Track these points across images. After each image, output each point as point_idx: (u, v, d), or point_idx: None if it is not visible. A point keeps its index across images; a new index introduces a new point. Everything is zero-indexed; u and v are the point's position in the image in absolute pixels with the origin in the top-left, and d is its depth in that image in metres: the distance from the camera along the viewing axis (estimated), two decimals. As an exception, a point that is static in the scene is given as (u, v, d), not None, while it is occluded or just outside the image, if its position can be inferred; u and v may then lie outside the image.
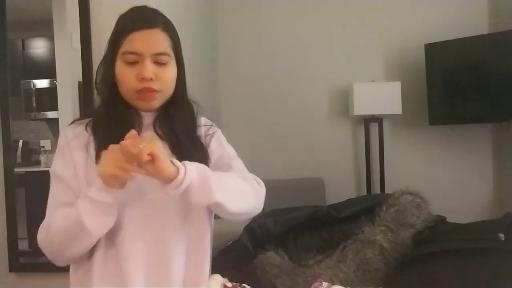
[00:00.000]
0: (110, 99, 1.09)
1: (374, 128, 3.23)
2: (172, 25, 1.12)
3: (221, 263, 1.23)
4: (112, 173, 0.92)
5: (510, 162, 3.05)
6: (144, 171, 0.93)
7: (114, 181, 0.93)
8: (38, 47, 2.26)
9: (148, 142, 0.92)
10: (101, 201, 0.96)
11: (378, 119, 3.16)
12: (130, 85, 1.05)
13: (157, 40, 1.06)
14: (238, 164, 1.15)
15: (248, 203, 1.10)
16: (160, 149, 0.93)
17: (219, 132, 1.20)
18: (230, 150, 1.19)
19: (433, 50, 3.07)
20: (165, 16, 1.12)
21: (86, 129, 1.10)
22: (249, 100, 3.44)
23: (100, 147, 1.02)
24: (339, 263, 1.37)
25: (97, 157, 1.02)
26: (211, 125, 1.20)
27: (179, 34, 1.15)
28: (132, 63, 1.04)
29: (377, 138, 3.18)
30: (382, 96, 3.04)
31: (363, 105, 3.05)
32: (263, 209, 1.16)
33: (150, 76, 1.03)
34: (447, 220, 1.59)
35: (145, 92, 1.05)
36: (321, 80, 3.39)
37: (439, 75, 3.12)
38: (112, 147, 0.94)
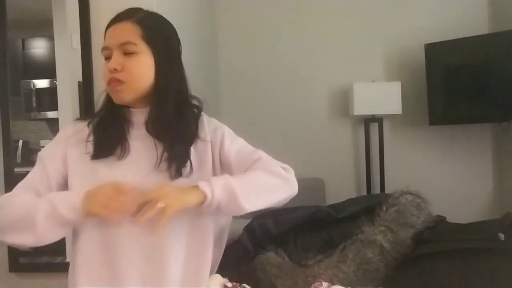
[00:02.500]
0: (106, 97, 1.13)
1: (374, 128, 3.23)
2: (153, 19, 1.11)
3: (221, 263, 1.22)
4: (98, 212, 0.96)
5: (510, 162, 3.05)
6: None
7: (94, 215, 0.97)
8: (38, 47, 2.26)
9: (161, 199, 0.93)
10: (64, 216, 0.96)
11: (378, 119, 3.16)
12: (104, 79, 1.08)
13: (123, 31, 1.06)
14: (262, 154, 1.16)
15: (279, 195, 1.11)
16: (168, 197, 0.95)
17: (227, 129, 1.20)
18: (246, 144, 1.20)
19: (433, 50, 3.07)
20: (147, 12, 1.12)
21: (88, 126, 1.12)
22: (249, 100, 3.43)
23: (97, 145, 1.07)
24: (339, 263, 1.37)
25: (94, 155, 1.08)
26: (217, 125, 1.20)
27: (179, 34, 1.15)
28: (107, 58, 1.07)
29: (377, 138, 3.18)
30: (382, 96, 3.04)
31: (363, 105, 3.05)
32: (263, 209, 1.16)
33: (114, 67, 1.04)
34: (447, 220, 1.59)
35: (112, 83, 1.06)
36: (321, 80, 3.39)
37: (439, 75, 3.11)
38: (108, 186, 0.97)
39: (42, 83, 2.19)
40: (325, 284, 1.27)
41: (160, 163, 1.06)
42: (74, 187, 1.07)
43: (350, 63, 3.35)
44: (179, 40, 1.17)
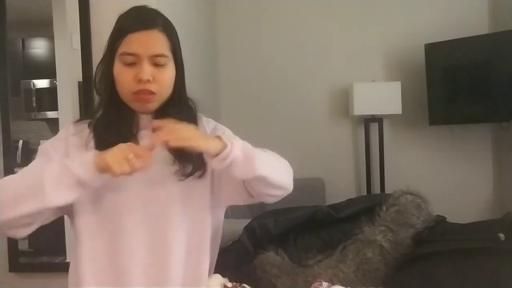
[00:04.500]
0: (109, 99, 1.09)
1: (374, 128, 3.23)
2: (172, 26, 1.10)
3: (221, 263, 1.22)
4: (112, 166, 0.92)
5: (510, 162, 3.05)
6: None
7: (107, 169, 0.93)
8: (38, 47, 2.26)
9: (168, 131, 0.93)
10: (74, 173, 0.92)
11: (378, 119, 3.16)
12: (127, 87, 1.04)
13: (155, 41, 1.04)
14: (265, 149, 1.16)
15: (286, 178, 1.12)
16: (191, 131, 0.95)
17: (227, 130, 1.20)
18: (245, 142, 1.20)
19: (433, 50, 3.07)
20: (164, 17, 1.10)
21: (88, 127, 1.10)
22: (249, 100, 3.44)
23: (100, 147, 1.02)
24: (339, 263, 1.37)
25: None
26: (216, 125, 1.20)
27: (179, 34, 1.15)
28: (130, 65, 1.03)
29: (377, 138, 3.18)
30: (382, 96, 3.04)
31: (363, 105, 3.05)
32: (264, 209, 1.16)
33: (147, 78, 1.02)
34: (447, 220, 1.59)
35: (142, 94, 1.04)
36: (321, 80, 3.39)
37: (439, 75, 3.12)
38: (125, 144, 0.95)
39: (42, 83, 2.19)
40: (325, 284, 1.27)
41: (173, 161, 1.06)
42: None
43: (350, 63, 3.35)
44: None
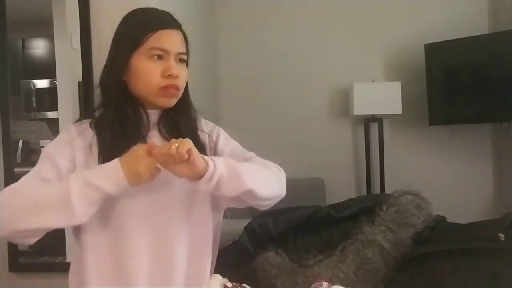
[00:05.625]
0: (118, 97, 1.08)
1: (374, 128, 3.23)
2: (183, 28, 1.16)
3: (221, 263, 1.22)
4: (145, 174, 0.94)
5: (510, 162, 3.05)
6: (177, 170, 0.94)
7: (140, 179, 0.94)
8: (38, 47, 2.26)
9: (180, 142, 0.92)
10: (109, 194, 0.93)
11: (378, 119, 3.16)
12: (154, 81, 1.06)
13: (181, 40, 1.11)
14: (254, 154, 1.17)
15: (274, 188, 1.11)
16: (193, 145, 0.94)
17: (222, 131, 1.22)
18: (239, 145, 1.22)
19: (433, 50, 3.07)
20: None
21: (90, 127, 1.09)
22: (249, 100, 3.44)
23: (105, 147, 1.03)
24: (339, 263, 1.37)
25: (100, 157, 1.03)
26: (214, 126, 1.23)
27: None
28: (158, 60, 1.06)
29: (377, 138, 3.18)
30: (382, 96, 3.04)
31: (363, 105, 3.05)
32: (260, 210, 1.16)
33: (177, 74, 1.07)
34: (447, 220, 1.59)
35: (170, 89, 1.07)
36: (321, 80, 3.39)
37: (439, 75, 3.12)
38: (141, 148, 0.95)
39: (42, 83, 2.19)
40: (325, 284, 1.27)
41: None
42: None
43: (350, 63, 3.35)
44: None
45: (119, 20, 1.12)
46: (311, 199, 2.90)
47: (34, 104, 2.16)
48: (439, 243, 1.41)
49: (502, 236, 1.29)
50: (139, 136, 1.08)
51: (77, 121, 1.14)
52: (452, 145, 3.25)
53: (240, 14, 3.47)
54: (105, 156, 1.02)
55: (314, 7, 3.40)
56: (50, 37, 1.96)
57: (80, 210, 0.91)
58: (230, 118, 3.36)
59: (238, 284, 1.19)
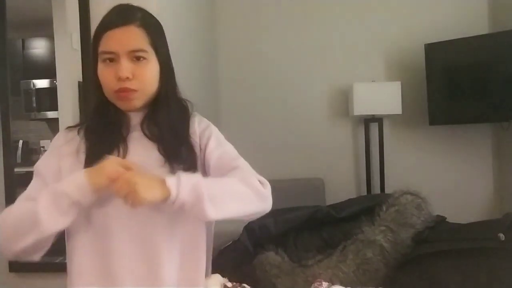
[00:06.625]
0: (98, 101, 1.08)
1: (374, 128, 3.23)
2: (153, 21, 1.09)
3: (221, 263, 1.22)
4: (105, 183, 0.94)
5: (510, 162, 3.05)
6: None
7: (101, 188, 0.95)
8: (38, 47, 2.26)
9: (125, 184, 0.91)
10: (71, 197, 0.94)
11: (378, 119, 3.16)
12: (109, 86, 1.04)
13: (131, 37, 1.03)
14: (241, 163, 1.10)
15: (249, 208, 1.04)
16: (138, 182, 0.91)
17: (216, 131, 1.15)
18: (230, 149, 1.14)
19: (433, 50, 3.07)
20: (145, 12, 1.09)
21: (78, 134, 1.09)
22: (249, 100, 3.43)
23: (89, 152, 1.04)
24: (339, 263, 1.37)
25: (87, 161, 1.03)
26: (208, 126, 1.15)
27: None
28: (110, 63, 1.03)
29: (377, 138, 3.17)
30: (382, 96, 3.04)
31: (363, 105, 3.05)
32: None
33: (126, 75, 1.01)
34: (447, 220, 1.59)
35: (122, 92, 1.03)
36: (321, 80, 3.39)
37: (439, 75, 3.11)
38: (109, 164, 0.95)
39: (42, 83, 2.19)
40: (325, 284, 1.27)
41: (164, 162, 1.04)
42: None
43: (350, 63, 3.35)
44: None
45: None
46: (311, 199, 2.90)
47: (34, 104, 2.16)
48: (439, 243, 1.42)
49: (502, 236, 1.29)
50: (119, 138, 1.07)
51: (68, 127, 1.14)
52: (452, 145, 3.25)
53: (240, 14, 3.47)
54: (89, 162, 1.02)
55: (314, 7, 3.39)
56: (50, 37, 1.96)
57: (48, 220, 0.93)
58: (230, 118, 3.36)
59: (238, 284, 1.19)
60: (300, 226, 1.55)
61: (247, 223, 1.56)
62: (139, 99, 1.05)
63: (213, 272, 1.18)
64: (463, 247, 1.35)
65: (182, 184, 0.94)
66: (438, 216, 1.56)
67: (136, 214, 0.99)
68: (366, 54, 3.34)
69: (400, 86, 3.04)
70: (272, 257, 1.42)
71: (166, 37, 1.13)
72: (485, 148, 3.23)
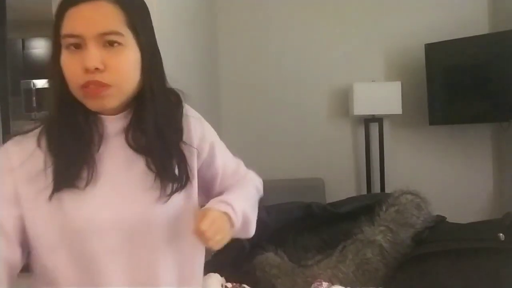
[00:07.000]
0: (62, 100, 0.82)
1: (374, 128, 3.23)
2: None
3: (218, 262, 1.22)
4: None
5: (510, 162, 3.05)
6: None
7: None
8: (38, 47, 2.26)
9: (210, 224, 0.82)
10: None
11: (378, 119, 3.16)
12: (74, 79, 0.79)
13: (102, 15, 0.78)
14: (242, 169, 1.04)
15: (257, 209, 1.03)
16: (223, 239, 0.84)
17: (217, 141, 1.00)
18: (230, 155, 1.03)
19: (433, 50, 3.07)
20: None
21: (39, 145, 0.83)
22: (249, 100, 3.43)
23: (57, 172, 0.80)
24: (339, 263, 1.37)
25: (54, 183, 0.80)
26: (205, 132, 0.97)
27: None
28: (76, 50, 0.78)
29: (377, 138, 3.18)
30: (382, 96, 3.04)
31: (363, 105, 3.05)
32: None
33: (95, 65, 0.77)
34: (447, 220, 1.59)
35: (91, 88, 0.78)
36: (321, 80, 3.39)
37: (439, 75, 3.11)
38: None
39: (42, 83, 2.19)
40: (325, 284, 1.27)
41: (153, 181, 0.85)
42: (38, 234, 0.82)
43: (350, 63, 3.35)
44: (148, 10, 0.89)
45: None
46: (311, 199, 2.88)
47: (34, 104, 2.16)
48: (439, 243, 1.42)
49: (502, 236, 1.29)
50: (88, 153, 0.83)
51: (19, 134, 0.86)
52: (452, 145, 3.25)
53: (240, 14, 3.47)
54: (57, 185, 0.80)
55: (314, 7, 3.39)
56: (50, 37, 1.96)
57: None
58: (230, 118, 3.36)
59: (238, 284, 1.19)
60: (300, 225, 1.55)
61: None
62: (114, 97, 0.81)
63: (211, 271, 1.18)
64: (463, 247, 1.35)
65: (237, 212, 0.88)
66: (438, 216, 1.56)
67: (127, 242, 0.84)
68: (366, 54, 3.34)
69: (400, 86, 3.04)
70: (272, 258, 1.42)
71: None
72: (485, 148, 3.23)
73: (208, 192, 1.00)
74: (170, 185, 0.85)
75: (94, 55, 0.77)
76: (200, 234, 0.81)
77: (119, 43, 0.79)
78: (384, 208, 1.47)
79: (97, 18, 0.78)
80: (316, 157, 3.35)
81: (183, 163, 0.89)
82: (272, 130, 3.38)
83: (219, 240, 0.83)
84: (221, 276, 1.20)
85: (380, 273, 1.37)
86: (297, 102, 3.40)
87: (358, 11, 3.35)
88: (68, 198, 0.81)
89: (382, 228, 1.41)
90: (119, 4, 0.79)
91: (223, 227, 0.85)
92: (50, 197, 0.80)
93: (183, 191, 0.88)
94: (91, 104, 0.81)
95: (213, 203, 0.89)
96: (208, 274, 1.21)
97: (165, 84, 0.89)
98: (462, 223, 1.54)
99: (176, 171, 0.87)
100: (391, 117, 3.26)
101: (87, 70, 0.77)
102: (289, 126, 3.39)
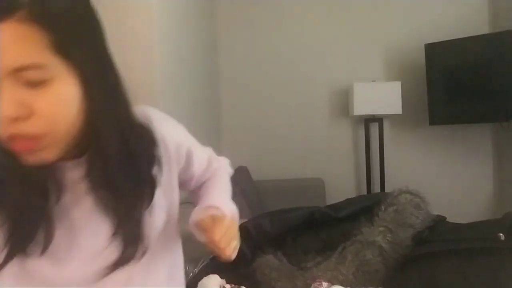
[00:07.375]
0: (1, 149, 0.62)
1: (374, 128, 3.23)
2: (58, 1, 0.59)
3: (217, 265, 1.22)
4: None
5: (510, 162, 3.05)
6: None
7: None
8: None
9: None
10: None
11: (378, 119, 3.16)
12: None
13: (14, 43, 0.56)
14: (214, 162, 0.99)
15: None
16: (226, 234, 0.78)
17: (191, 141, 0.91)
18: (198, 151, 0.94)
19: (433, 50, 3.07)
20: None
21: None
22: (249, 101, 3.43)
23: (8, 233, 0.64)
24: (338, 265, 1.36)
25: (6, 249, 0.65)
26: (180, 142, 0.85)
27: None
28: None
29: (377, 138, 3.18)
30: (382, 96, 3.04)
31: (363, 105, 3.05)
32: (264, 210, 1.12)
33: (12, 115, 0.58)
34: (447, 220, 1.59)
35: (20, 143, 0.60)
36: (321, 80, 3.39)
37: (439, 75, 3.11)
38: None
39: None
40: (325, 284, 1.27)
41: (114, 238, 0.70)
42: None
43: (350, 63, 3.35)
44: (99, 21, 0.67)
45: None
46: (311, 199, 2.90)
47: None
48: (439, 243, 1.41)
49: (502, 236, 1.29)
50: (41, 211, 0.66)
51: None
52: (452, 145, 3.25)
53: (241, 14, 3.47)
54: (9, 251, 0.65)
55: (314, 7, 3.40)
56: None
57: None
58: (230, 119, 3.36)
59: (237, 286, 1.19)
60: (299, 227, 1.55)
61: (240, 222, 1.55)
62: (52, 147, 0.62)
63: (211, 273, 1.18)
64: (463, 247, 1.35)
65: (229, 208, 0.88)
66: (438, 216, 1.56)
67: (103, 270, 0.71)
68: (366, 54, 3.34)
69: (400, 86, 3.04)
70: (271, 260, 1.42)
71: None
72: (485, 148, 3.23)
73: (183, 188, 0.96)
74: (129, 248, 0.71)
75: (8, 101, 0.57)
76: (216, 244, 0.75)
77: (43, 78, 0.58)
78: (383, 208, 1.47)
79: (8, 48, 0.56)
80: (316, 157, 3.36)
81: (148, 185, 0.74)
82: (272, 130, 3.38)
83: (235, 246, 0.80)
84: (221, 278, 1.20)
85: (380, 274, 1.37)
86: (297, 102, 3.40)
87: (358, 11, 3.35)
88: (31, 263, 0.69)
89: (381, 228, 1.41)
90: (40, 22, 0.56)
91: (235, 231, 0.82)
92: (2, 266, 0.66)
93: (163, 212, 0.80)
94: (29, 160, 0.62)
95: (204, 211, 0.83)
96: (208, 276, 1.21)
97: (128, 111, 0.70)
98: (462, 223, 1.54)
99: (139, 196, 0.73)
100: (391, 117, 3.26)
101: (7, 121, 0.58)
102: (289, 126, 3.39)
